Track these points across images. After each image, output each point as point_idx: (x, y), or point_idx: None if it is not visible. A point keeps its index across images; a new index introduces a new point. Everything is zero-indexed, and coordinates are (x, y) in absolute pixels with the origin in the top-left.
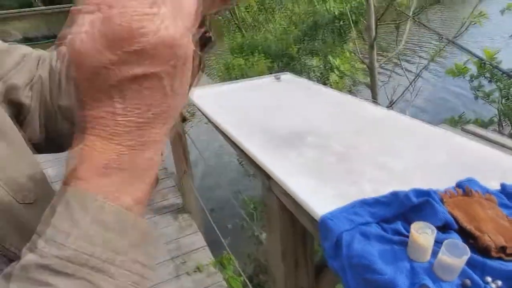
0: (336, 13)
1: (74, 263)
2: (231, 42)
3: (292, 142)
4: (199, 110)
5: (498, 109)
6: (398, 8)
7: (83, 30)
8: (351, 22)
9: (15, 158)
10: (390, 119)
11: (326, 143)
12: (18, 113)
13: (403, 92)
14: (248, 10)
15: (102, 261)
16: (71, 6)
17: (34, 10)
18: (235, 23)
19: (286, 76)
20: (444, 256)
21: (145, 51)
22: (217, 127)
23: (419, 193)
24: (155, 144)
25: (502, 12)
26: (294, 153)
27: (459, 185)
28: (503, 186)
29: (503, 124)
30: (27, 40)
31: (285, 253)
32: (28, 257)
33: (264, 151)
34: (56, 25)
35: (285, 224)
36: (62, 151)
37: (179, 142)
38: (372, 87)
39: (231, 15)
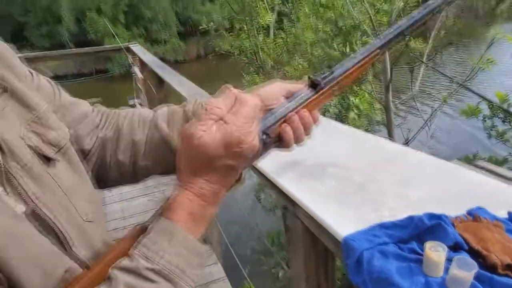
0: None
1: (168, 271)
2: (250, 83)
3: (315, 173)
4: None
5: None
6: (411, 53)
7: (205, 129)
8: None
9: (82, 185)
10: (406, 154)
11: (346, 175)
12: (80, 153)
13: (417, 132)
14: (268, 53)
15: (182, 271)
16: (99, 48)
17: (67, 51)
18: (257, 65)
19: None
20: (455, 270)
21: (241, 152)
22: None
23: (432, 216)
24: (219, 202)
25: None
26: (317, 182)
27: (469, 212)
28: (510, 214)
29: None
30: (57, 78)
31: (308, 272)
32: (131, 264)
33: (289, 180)
34: (84, 64)
35: (307, 246)
36: (99, 188)
37: None
38: (388, 126)
39: (254, 56)
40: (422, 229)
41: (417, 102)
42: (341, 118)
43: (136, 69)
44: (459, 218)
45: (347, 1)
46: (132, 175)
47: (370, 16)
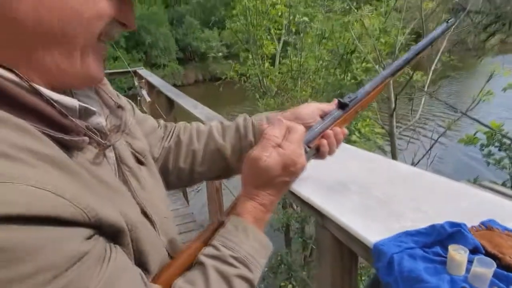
0: (359, 79)
1: (243, 262)
2: (264, 106)
3: (338, 189)
4: None
5: (510, 175)
6: (414, 85)
7: (267, 154)
8: None
9: (158, 187)
10: (419, 174)
11: (366, 191)
12: None
13: (420, 159)
14: (273, 80)
15: (256, 260)
16: (107, 72)
17: None
18: (262, 91)
19: None
20: (476, 268)
21: (295, 171)
22: None
23: (452, 224)
24: (274, 209)
25: (505, 90)
26: (342, 197)
27: (482, 223)
28: None
29: None
30: None
31: (334, 277)
32: (216, 252)
33: (317, 196)
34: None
35: (335, 253)
36: None
37: (216, 196)
38: (392, 151)
39: (260, 83)
40: (444, 235)
41: (420, 128)
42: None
43: (144, 92)
44: (475, 227)
45: (353, 34)
46: (189, 179)
47: (375, 47)
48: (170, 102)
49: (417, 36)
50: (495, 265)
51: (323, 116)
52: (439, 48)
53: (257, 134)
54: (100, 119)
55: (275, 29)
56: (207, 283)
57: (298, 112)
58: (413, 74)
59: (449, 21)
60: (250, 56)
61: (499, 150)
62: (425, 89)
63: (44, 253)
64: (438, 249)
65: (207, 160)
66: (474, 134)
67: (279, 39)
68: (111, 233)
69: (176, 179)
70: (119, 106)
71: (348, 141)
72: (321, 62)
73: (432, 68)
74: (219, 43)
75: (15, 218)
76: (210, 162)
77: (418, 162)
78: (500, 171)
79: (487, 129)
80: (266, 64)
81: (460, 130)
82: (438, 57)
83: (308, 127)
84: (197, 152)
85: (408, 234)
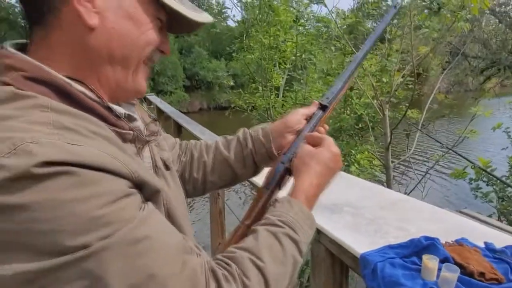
0: (359, 113)
1: (290, 225)
2: None
3: (333, 210)
4: (251, 182)
5: (496, 208)
6: (408, 122)
7: (302, 153)
8: (369, 128)
9: (180, 193)
10: (405, 200)
11: (358, 212)
12: None
13: (412, 189)
14: (278, 111)
15: (300, 224)
16: None
17: None
18: (269, 120)
19: None
20: (444, 272)
21: (336, 169)
22: None
23: (427, 238)
24: (320, 196)
25: (494, 129)
26: (337, 217)
27: (455, 240)
28: (486, 243)
29: (502, 221)
30: None
31: (327, 286)
32: (266, 220)
33: (315, 214)
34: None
35: (328, 264)
36: None
37: (218, 217)
38: (388, 182)
39: (266, 113)
40: (420, 247)
41: (413, 162)
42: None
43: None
44: (448, 243)
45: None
46: (203, 188)
47: (373, 85)
48: (179, 128)
49: (417, 76)
50: (459, 271)
51: (307, 119)
52: (434, 88)
53: (255, 143)
54: (139, 124)
55: (281, 63)
56: (257, 239)
57: (286, 120)
58: (406, 110)
59: (396, 6)
60: (260, 88)
61: (487, 185)
62: (419, 126)
63: (104, 183)
64: (414, 259)
65: (217, 170)
66: (464, 169)
67: (284, 72)
68: (149, 192)
69: (192, 188)
70: (155, 119)
71: (348, 172)
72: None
73: (427, 106)
74: (226, 73)
75: (85, 165)
76: (219, 171)
77: (409, 193)
78: (487, 204)
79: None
80: (273, 96)
81: (460, 164)
82: (432, 95)
83: (297, 131)
84: (207, 163)
85: (390, 247)
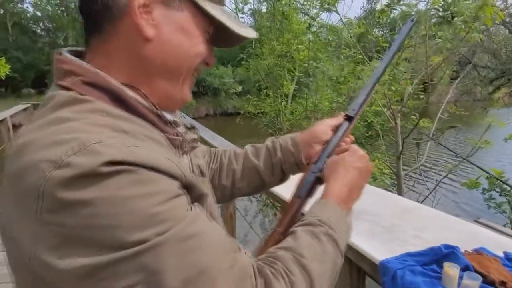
0: (369, 121)
1: (327, 224)
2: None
3: (352, 217)
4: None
5: (509, 219)
6: (420, 131)
7: (329, 162)
8: (380, 136)
9: (213, 197)
10: (420, 209)
11: (375, 220)
12: None
13: (424, 199)
14: (288, 118)
15: (337, 224)
16: None
17: None
18: (278, 127)
19: None
20: (465, 280)
21: (365, 170)
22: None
23: (447, 246)
24: (354, 200)
25: (506, 140)
26: (354, 224)
27: (474, 249)
28: (505, 253)
29: None
30: None
31: None
32: (305, 221)
33: None
34: None
35: (345, 271)
36: None
37: (229, 221)
38: (399, 191)
39: (276, 120)
40: (440, 255)
41: (425, 171)
42: None
43: None
44: (467, 251)
45: (365, 81)
46: (230, 195)
47: (385, 94)
48: None
49: (425, 84)
50: (481, 279)
51: (334, 130)
52: (444, 97)
53: (284, 152)
54: (181, 129)
55: (291, 71)
56: (296, 239)
57: (314, 130)
58: (419, 120)
59: (413, 19)
60: (271, 94)
61: (500, 195)
62: (431, 135)
63: (160, 183)
64: (434, 266)
65: (245, 177)
66: (477, 179)
67: (292, 79)
68: (195, 195)
69: (220, 194)
70: (193, 127)
71: None
72: (334, 104)
73: (438, 116)
74: (232, 79)
75: (144, 165)
76: (248, 178)
77: (423, 201)
78: (500, 215)
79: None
80: (284, 103)
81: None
82: (443, 106)
83: (324, 142)
84: (237, 170)
85: (409, 254)
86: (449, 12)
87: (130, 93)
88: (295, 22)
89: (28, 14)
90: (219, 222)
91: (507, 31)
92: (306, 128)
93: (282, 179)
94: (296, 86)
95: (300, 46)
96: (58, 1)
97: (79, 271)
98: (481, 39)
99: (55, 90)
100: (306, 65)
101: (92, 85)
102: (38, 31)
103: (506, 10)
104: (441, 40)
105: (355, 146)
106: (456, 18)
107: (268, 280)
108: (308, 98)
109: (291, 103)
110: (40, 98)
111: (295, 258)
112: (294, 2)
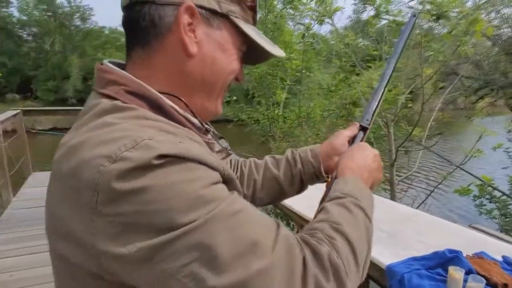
0: None
1: (351, 195)
2: (277, 147)
3: None
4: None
5: (499, 224)
6: (412, 139)
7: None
8: (374, 144)
9: None
10: (419, 215)
11: (377, 226)
12: None
13: (417, 207)
14: (280, 126)
15: (358, 193)
16: None
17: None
18: (270, 134)
19: None
20: (470, 283)
21: (369, 152)
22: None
23: (451, 251)
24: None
25: (494, 149)
26: None
27: (475, 253)
28: (504, 257)
29: None
30: (55, 130)
31: None
32: (330, 197)
33: None
34: None
35: None
36: None
37: None
38: (392, 198)
39: (269, 127)
40: (445, 260)
41: (417, 178)
42: None
43: None
44: (469, 256)
45: (359, 91)
46: (251, 203)
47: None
48: None
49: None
50: (485, 282)
51: (350, 141)
52: (434, 107)
53: (304, 163)
54: (210, 137)
55: (283, 79)
56: (327, 212)
57: (333, 143)
58: (413, 129)
59: (415, 14)
60: (263, 102)
61: (490, 202)
62: (423, 142)
63: (204, 170)
64: (440, 270)
65: (265, 187)
66: (468, 186)
67: (283, 88)
68: (233, 189)
69: None
70: (222, 137)
71: None
72: (326, 112)
73: (429, 125)
74: None
75: (189, 158)
76: (268, 188)
77: (417, 207)
78: (491, 221)
79: (479, 182)
80: (276, 111)
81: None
82: (434, 115)
83: (343, 153)
84: (257, 180)
85: (415, 259)
86: (437, 12)
87: (168, 101)
88: (287, 32)
89: (13, 19)
90: None
91: (490, 43)
92: (297, 137)
93: (301, 189)
94: (288, 95)
95: (292, 55)
96: (45, 6)
97: (138, 255)
98: (472, 53)
99: (98, 98)
100: (298, 74)
101: (134, 94)
102: (24, 35)
103: (490, 23)
104: (433, 53)
105: (365, 143)
106: (442, 20)
107: (313, 247)
108: (300, 106)
109: (283, 111)
110: (26, 104)
111: (332, 226)
112: (286, 13)
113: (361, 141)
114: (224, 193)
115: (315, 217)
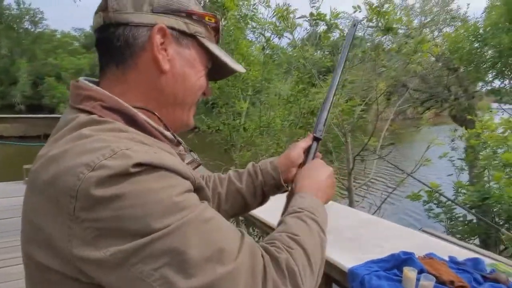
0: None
1: (307, 210)
2: (240, 157)
3: None
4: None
5: (445, 227)
6: (368, 149)
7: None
8: (333, 153)
9: None
10: (377, 221)
11: (340, 232)
12: None
13: (374, 213)
14: (241, 135)
15: (314, 209)
16: (48, 115)
17: (16, 116)
18: (231, 144)
19: None
20: (422, 282)
21: (333, 187)
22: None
23: (405, 253)
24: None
25: (440, 157)
26: None
27: (426, 255)
28: (450, 257)
29: None
30: (2, 138)
31: None
32: (288, 211)
33: None
34: (32, 129)
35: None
36: None
37: None
38: (350, 204)
39: (230, 136)
40: (400, 261)
41: (372, 186)
42: None
43: None
44: (420, 256)
45: (317, 103)
46: None
47: (338, 114)
48: None
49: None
50: (435, 280)
51: (305, 151)
52: (388, 117)
53: (265, 175)
54: (181, 148)
55: (243, 89)
56: (286, 224)
57: (290, 156)
58: (369, 139)
59: (355, 23)
60: (223, 111)
61: (437, 206)
62: (377, 152)
63: (177, 178)
64: (395, 271)
65: (230, 199)
66: (418, 192)
67: (245, 98)
68: (203, 198)
69: None
70: (191, 150)
71: None
72: (286, 122)
73: (383, 135)
74: None
75: (164, 167)
76: (232, 201)
77: (373, 213)
78: (438, 224)
79: (429, 188)
80: (237, 120)
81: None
82: (387, 125)
83: (299, 164)
84: (221, 194)
85: (373, 261)
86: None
87: (142, 116)
88: (244, 45)
89: None
90: None
91: (434, 58)
92: (258, 146)
93: (263, 201)
94: (249, 105)
95: (248, 67)
96: None
97: (112, 259)
98: (420, 70)
99: (74, 113)
100: (258, 85)
101: (109, 109)
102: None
103: (433, 41)
104: (386, 69)
105: (321, 161)
106: (390, 32)
107: (273, 255)
108: (260, 116)
109: (245, 120)
110: None
111: (289, 236)
112: (243, 25)
113: (315, 151)
114: (196, 201)
115: (275, 229)
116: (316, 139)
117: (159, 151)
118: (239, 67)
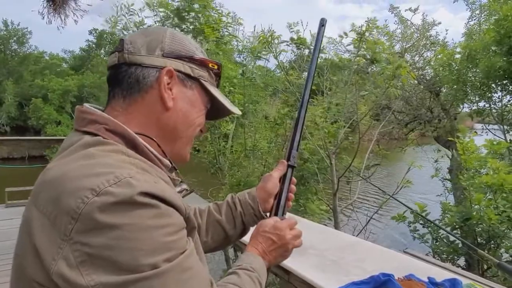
0: (306, 157)
1: (257, 271)
2: (231, 177)
3: (300, 252)
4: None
5: (430, 247)
6: (351, 170)
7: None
8: (318, 176)
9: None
10: (360, 243)
11: (322, 254)
12: None
13: (358, 234)
14: (228, 158)
15: (259, 271)
16: (33, 138)
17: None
18: (217, 166)
19: None
20: None
21: (286, 253)
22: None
23: (385, 275)
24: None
25: (432, 177)
26: (302, 258)
27: (405, 276)
28: (429, 278)
29: (437, 259)
30: None
31: None
32: (243, 266)
33: None
34: (17, 151)
35: None
36: None
37: None
38: (336, 225)
39: (215, 159)
40: (380, 283)
41: (357, 206)
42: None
43: None
44: (400, 278)
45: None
46: None
47: (322, 138)
48: None
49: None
50: None
51: (280, 179)
52: (372, 139)
53: (243, 205)
54: (174, 174)
55: None
56: (239, 277)
57: (266, 188)
58: (352, 161)
59: (323, 23)
60: (209, 135)
61: (423, 227)
62: (361, 174)
63: (173, 216)
64: None
65: (210, 231)
66: (403, 213)
67: (232, 121)
68: (189, 227)
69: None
70: (182, 181)
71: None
72: (272, 144)
73: (367, 156)
74: None
75: (165, 200)
76: (212, 232)
77: (357, 235)
78: (423, 245)
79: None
80: (223, 143)
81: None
82: (370, 147)
83: (275, 195)
84: (201, 226)
85: (355, 283)
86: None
87: (141, 140)
88: (229, 68)
89: None
90: (200, 252)
91: (416, 81)
92: (245, 169)
93: (243, 232)
94: (236, 127)
95: (232, 89)
96: None
97: (98, 287)
98: (399, 94)
99: (79, 135)
100: (242, 108)
101: (113, 132)
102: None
103: (414, 65)
104: (367, 92)
105: (292, 221)
106: (376, 64)
107: None
108: (246, 139)
109: (231, 144)
110: None
111: None
112: (224, 47)
113: (290, 178)
114: (184, 243)
115: (228, 274)
116: (290, 166)
117: (158, 180)
118: (236, 110)
